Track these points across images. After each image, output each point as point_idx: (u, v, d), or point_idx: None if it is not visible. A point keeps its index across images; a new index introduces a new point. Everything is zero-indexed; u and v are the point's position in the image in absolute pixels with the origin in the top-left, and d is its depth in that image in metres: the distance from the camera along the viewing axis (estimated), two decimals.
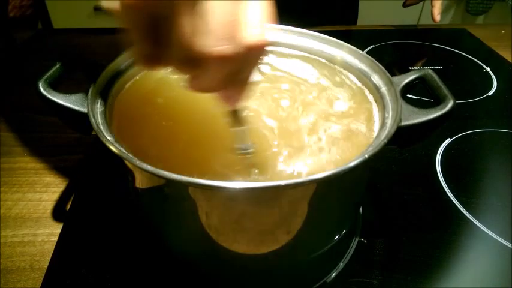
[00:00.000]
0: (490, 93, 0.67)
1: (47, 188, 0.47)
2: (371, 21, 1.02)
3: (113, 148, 0.28)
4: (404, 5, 0.87)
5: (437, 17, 0.80)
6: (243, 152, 0.32)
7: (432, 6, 0.81)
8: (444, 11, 1.88)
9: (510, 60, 0.77)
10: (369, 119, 0.37)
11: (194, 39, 0.23)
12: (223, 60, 0.23)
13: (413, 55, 0.83)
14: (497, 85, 0.69)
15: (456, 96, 0.64)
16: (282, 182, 0.26)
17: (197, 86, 0.26)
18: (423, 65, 0.76)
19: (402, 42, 0.85)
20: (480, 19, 1.95)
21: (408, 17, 1.54)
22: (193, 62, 0.24)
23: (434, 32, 0.92)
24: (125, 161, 0.30)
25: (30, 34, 0.87)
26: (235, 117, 0.30)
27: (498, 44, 0.84)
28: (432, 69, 0.74)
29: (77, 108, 0.33)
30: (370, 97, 0.39)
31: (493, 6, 1.91)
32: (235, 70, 0.25)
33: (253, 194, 0.28)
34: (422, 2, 0.87)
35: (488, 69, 0.74)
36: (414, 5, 0.86)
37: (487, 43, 0.85)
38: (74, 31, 0.91)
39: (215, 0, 0.22)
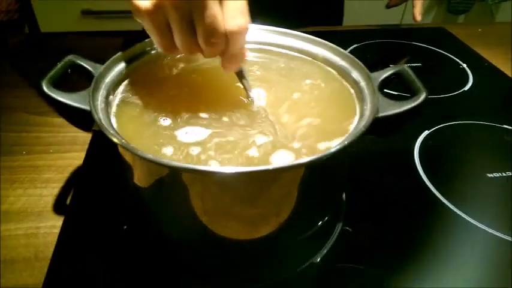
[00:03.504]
0: (466, 88, 0.70)
1: (46, 184, 0.49)
2: (356, 21, 1.05)
3: (115, 140, 0.31)
4: (388, 7, 0.90)
5: (419, 17, 0.84)
6: (249, 98, 0.42)
7: (413, 7, 0.84)
8: (426, 11, 1.93)
9: (485, 57, 0.81)
10: (350, 111, 0.40)
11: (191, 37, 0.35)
12: (212, 47, 0.35)
13: (394, 53, 0.87)
14: (473, 80, 0.73)
15: (434, 92, 0.69)
16: (270, 167, 0.29)
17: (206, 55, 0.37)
18: (403, 63, 0.80)
19: (384, 42, 0.89)
20: (461, 18, 2.01)
21: (392, 16, 1.58)
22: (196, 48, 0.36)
23: (414, 31, 0.95)
24: (127, 152, 0.32)
25: (19, 38, 0.89)
26: (240, 75, 0.42)
27: (475, 41, 0.88)
28: (412, 66, 0.78)
29: (79, 105, 0.36)
30: (351, 91, 0.43)
31: (473, 6, 1.97)
32: (226, 49, 0.36)
33: (242, 178, 0.31)
34: (405, 3, 0.91)
35: (464, 65, 0.78)
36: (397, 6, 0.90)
37: (465, 41, 0.89)
38: (62, 34, 0.92)
39: (202, 10, 0.32)
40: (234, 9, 0.34)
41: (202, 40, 0.34)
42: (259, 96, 0.43)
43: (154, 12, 0.33)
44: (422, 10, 0.84)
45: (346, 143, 0.31)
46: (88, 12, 1.47)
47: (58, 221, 0.45)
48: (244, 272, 0.42)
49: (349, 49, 0.82)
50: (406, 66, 0.42)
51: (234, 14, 0.34)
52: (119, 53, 0.42)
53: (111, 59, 0.41)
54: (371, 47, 0.86)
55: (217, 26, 0.33)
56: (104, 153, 0.52)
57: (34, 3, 1.49)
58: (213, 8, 0.33)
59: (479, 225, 0.45)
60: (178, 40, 0.35)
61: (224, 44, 0.35)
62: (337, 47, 0.46)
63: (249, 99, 0.42)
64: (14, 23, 1.56)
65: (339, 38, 0.92)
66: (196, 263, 0.42)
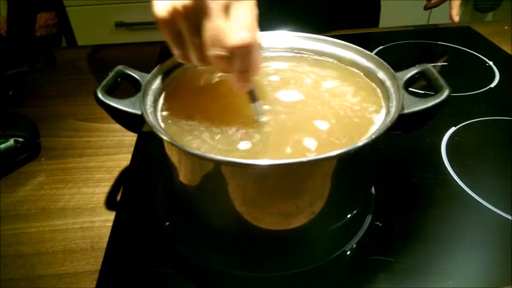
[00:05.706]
0: (492, 85, 0.71)
1: (98, 183, 0.54)
2: (388, 23, 1.05)
3: (165, 138, 0.35)
4: (426, 8, 0.92)
5: (456, 18, 0.85)
6: (260, 120, 0.42)
7: (451, 8, 0.85)
8: None
9: None
10: (377, 109, 0.43)
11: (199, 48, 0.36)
12: (217, 60, 0.35)
13: (420, 53, 0.88)
14: (499, 77, 0.74)
15: (460, 89, 0.70)
16: (304, 159, 0.32)
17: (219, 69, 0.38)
18: (429, 63, 0.81)
19: (410, 42, 0.91)
20: (489, 17, 1.98)
21: (419, 17, 1.58)
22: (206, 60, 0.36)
23: (440, 31, 0.97)
24: (175, 149, 0.36)
25: (57, 51, 0.95)
26: (251, 96, 0.41)
27: (501, 39, 0.89)
28: (438, 65, 0.79)
29: (131, 110, 0.40)
30: (377, 90, 0.45)
31: (501, 3, 1.93)
32: (232, 63, 0.35)
33: (278, 170, 0.34)
34: None
35: (491, 63, 0.79)
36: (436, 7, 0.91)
37: (491, 39, 0.89)
38: (99, 46, 0.97)
39: (206, 22, 0.34)
40: (238, 22, 0.34)
41: (206, 51, 0.35)
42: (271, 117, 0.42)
43: (169, 22, 0.35)
44: (460, 11, 0.85)
45: (373, 136, 0.34)
46: (121, 25, 1.54)
47: (110, 216, 0.49)
48: (278, 260, 0.44)
49: (375, 51, 0.84)
50: (429, 65, 0.44)
51: (237, 27, 0.33)
52: (163, 63, 0.46)
53: (156, 68, 0.45)
54: (397, 48, 0.88)
55: (219, 38, 0.34)
56: (148, 154, 0.57)
57: (71, 18, 1.58)
58: (217, 20, 0.33)
59: (507, 216, 0.46)
60: (189, 50, 0.37)
61: (230, 59, 0.35)
62: (363, 50, 0.48)
63: (256, 123, 0.41)
64: (52, 37, 1.65)
65: (366, 40, 0.95)
66: (235, 253, 0.45)
